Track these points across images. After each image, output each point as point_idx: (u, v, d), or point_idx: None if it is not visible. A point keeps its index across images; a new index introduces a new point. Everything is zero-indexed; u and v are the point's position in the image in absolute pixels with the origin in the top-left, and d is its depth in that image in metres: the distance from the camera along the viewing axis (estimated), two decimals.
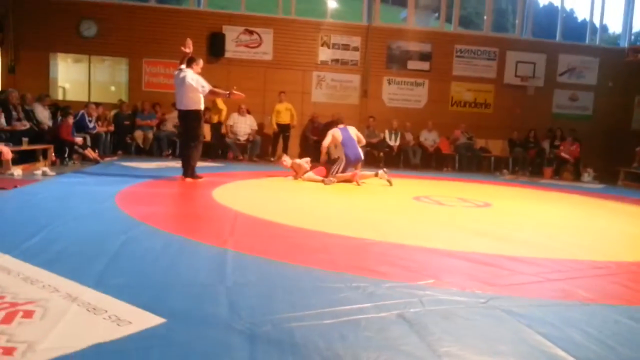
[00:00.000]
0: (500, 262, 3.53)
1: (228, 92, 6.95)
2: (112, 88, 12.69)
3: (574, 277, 3.26)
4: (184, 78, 6.78)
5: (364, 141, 8.43)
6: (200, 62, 7.06)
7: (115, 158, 9.88)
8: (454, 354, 2.03)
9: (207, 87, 6.83)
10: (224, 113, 11.09)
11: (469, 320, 2.41)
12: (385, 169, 8.14)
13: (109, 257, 3.07)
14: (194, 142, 6.98)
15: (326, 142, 8.14)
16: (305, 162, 8.17)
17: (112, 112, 11.14)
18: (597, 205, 7.50)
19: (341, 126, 8.20)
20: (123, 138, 10.96)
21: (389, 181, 7.81)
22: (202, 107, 6.98)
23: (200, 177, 7.03)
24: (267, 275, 2.92)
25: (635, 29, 15.02)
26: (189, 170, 6.98)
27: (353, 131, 8.17)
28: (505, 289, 2.92)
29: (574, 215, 6.38)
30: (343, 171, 7.89)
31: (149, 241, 3.53)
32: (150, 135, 11.06)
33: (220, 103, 10.86)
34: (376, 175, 7.92)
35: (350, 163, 7.95)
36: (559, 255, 3.82)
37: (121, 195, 5.40)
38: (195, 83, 6.73)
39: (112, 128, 10.43)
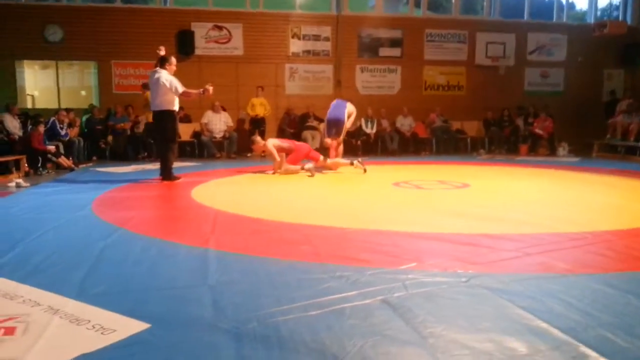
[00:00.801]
0: (480, 240, 3.59)
1: (202, 90, 6.86)
2: (83, 93, 12.49)
3: (552, 249, 3.32)
4: (158, 79, 6.74)
5: (353, 116, 8.65)
6: (173, 61, 7.00)
7: (90, 164, 9.74)
8: (438, 335, 2.07)
9: (180, 88, 6.77)
10: None
11: (451, 300, 2.45)
12: (360, 159, 8.26)
13: (89, 265, 3.03)
14: (169, 143, 6.93)
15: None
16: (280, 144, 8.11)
17: (84, 117, 10.96)
18: (572, 178, 7.63)
19: (339, 99, 8.68)
20: (97, 143, 10.80)
21: (364, 170, 7.89)
22: (176, 107, 6.94)
23: (178, 178, 6.98)
24: (250, 272, 2.92)
25: (600, 5, 15.24)
26: (165, 172, 6.92)
27: (350, 107, 8.46)
28: (486, 267, 2.97)
29: (551, 189, 6.48)
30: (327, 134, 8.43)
31: (128, 246, 3.50)
32: (124, 138, 10.90)
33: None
34: (352, 164, 7.98)
35: (329, 123, 8.37)
36: (537, 230, 3.89)
37: (98, 202, 5.33)
38: (168, 84, 6.69)
39: (75, 132, 10.05)
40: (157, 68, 6.87)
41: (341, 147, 8.81)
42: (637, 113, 11.70)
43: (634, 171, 8.33)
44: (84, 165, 9.43)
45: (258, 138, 8.49)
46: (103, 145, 10.82)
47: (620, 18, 14.28)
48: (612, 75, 14.30)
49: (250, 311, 2.31)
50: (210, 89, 6.84)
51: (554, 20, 14.29)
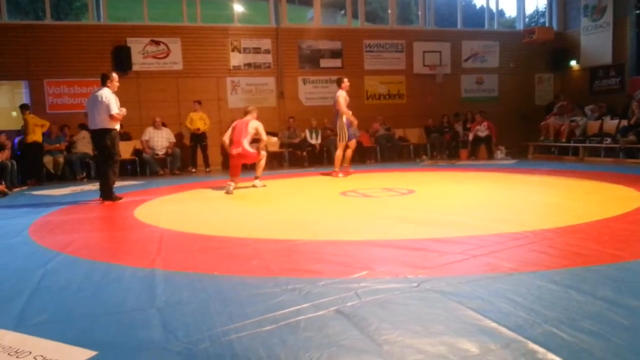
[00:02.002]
0: (429, 245, 3.65)
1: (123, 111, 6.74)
2: (14, 113, 11.92)
3: (497, 250, 3.42)
4: (97, 96, 6.58)
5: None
6: (115, 78, 6.81)
7: (25, 188, 9.29)
8: (393, 341, 2.08)
9: (114, 110, 6.55)
10: (39, 130, 10.06)
11: (404, 305, 2.48)
12: (258, 181, 7.75)
13: (28, 294, 2.88)
14: (109, 162, 6.74)
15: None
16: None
17: (17, 139, 10.46)
18: (511, 179, 7.92)
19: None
20: (31, 165, 10.31)
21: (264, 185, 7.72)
22: (117, 125, 6.77)
23: (120, 198, 6.77)
24: (200, 290, 2.85)
25: (528, 12, 16.02)
26: (106, 192, 6.71)
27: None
28: (435, 271, 3.02)
29: (492, 191, 6.70)
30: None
31: (69, 272, 3.34)
32: (61, 159, 10.49)
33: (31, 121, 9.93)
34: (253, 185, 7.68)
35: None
36: (482, 232, 4.00)
37: (35, 227, 5.08)
38: (107, 102, 6.51)
39: (6, 155, 9.53)
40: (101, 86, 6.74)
41: (348, 152, 8.98)
42: (568, 115, 12.32)
43: (568, 170, 8.75)
44: (18, 189, 8.99)
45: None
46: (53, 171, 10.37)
47: (547, 24, 15.04)
48: (542, 79, 15.03)
49: (202, 331, 2.25)
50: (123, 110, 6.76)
51: (486, 27, 14.88)
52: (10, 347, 2.14)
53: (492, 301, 2.46)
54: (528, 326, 2.16)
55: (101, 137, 6.67)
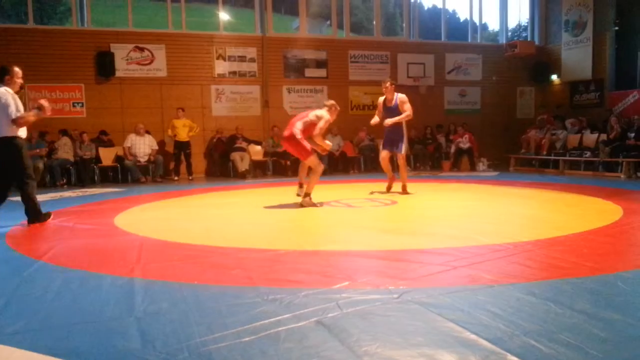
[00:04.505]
0: (410, 256, 3.67)
1: (37, 107, 5.38)
2: None
3: (477, 262, 3.45)
4: None
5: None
6: (17, 73, 5.36)
7: None
8: (373, 352, 2.08)
9: (15, 113, 5.16)
10: None
11: (384, 317, 2.48)
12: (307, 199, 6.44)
13: (3, 302, 2.82)
14: (24, 180, 5.41)
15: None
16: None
17: None
18: (492, 191, 8.00)
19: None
20: None
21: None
22: (22, 133, 5.34)
23: (49, 215, 5.75)
24: (179, 299, 2.82)
25: (510, 26, 16.30)
26: (32, 212, 5.51)
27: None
28: (416, 282, 3.03)
29: (473, 203, 6.75)
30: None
31: (47, 280, 3.28)
32: (41, 165, 10.34)
33: None
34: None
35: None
36: (463, 243, 4.03)
37: (13, 234, 5.00)
38: (4, 102, 5.12)
39: None
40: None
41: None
42: (548, 128, 12.51)
43: (548, 183, 8.87)
44: None
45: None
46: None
47: (529, 38, 15.30)
48: (524, 92, 15.26)
49: (180, 341, 2.22)
50: (46, 104, 5.40)
51: (469, 40, 15.08)
52: None
53: (472, 313, 2.47)
54: (507, 338, 2.17)
55: (3, 150, 5.20)
